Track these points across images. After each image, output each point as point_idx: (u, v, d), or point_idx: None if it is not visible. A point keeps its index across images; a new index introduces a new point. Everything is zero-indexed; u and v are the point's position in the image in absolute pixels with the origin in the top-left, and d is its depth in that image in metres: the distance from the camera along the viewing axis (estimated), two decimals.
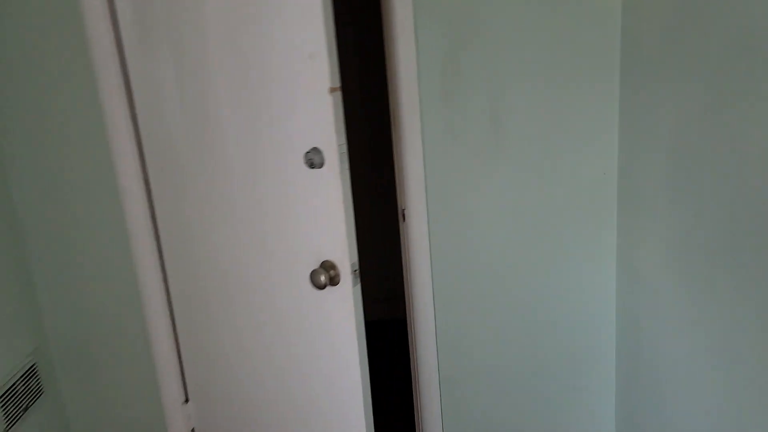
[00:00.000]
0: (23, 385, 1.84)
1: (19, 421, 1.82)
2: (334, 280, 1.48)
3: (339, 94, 1.38)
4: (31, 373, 1.88)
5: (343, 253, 1.46)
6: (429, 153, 1.86)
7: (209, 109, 1.60)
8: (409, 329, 2.04)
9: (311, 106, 1.40)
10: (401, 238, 1.91)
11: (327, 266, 1.48)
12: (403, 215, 1.90)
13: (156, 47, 1.66)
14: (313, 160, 1.41)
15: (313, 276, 1.47)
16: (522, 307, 2.00)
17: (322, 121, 1.39)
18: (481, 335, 2.03)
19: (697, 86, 1.41)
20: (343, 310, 1.50)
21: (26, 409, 1.85)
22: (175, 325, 1.96)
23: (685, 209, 1.52)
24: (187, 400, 2.05)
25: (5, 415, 1.76)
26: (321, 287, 1.47)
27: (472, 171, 1.87)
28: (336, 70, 1.36)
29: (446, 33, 1.78)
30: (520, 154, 1.86)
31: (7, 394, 1.77)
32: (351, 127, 3.27)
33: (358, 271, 1.48)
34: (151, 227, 1.87)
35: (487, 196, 1.89)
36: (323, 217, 1.46)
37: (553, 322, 2.01)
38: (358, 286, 1.49)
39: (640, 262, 1.80)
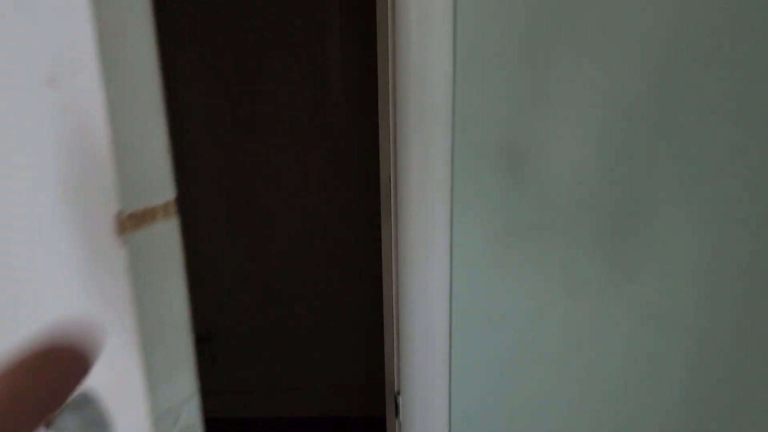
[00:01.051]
0: None
1: None
2: None
3: (172, 226, 0.34)
4: None
5: None
6: (462, 276, 0.81)
7: None
8: None
9: (56, 277, 0.35)
10: None
11: None
12: (396, 405, 0.85)
13: None
14: None
15: None
16: None
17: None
18: None
19: None
20: None
21: None
22: None
23: None
24: None
25: None
26: None
27: (564, 322, 0.83)
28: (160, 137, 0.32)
29: None
30: (674, 284, 0.81)
31: None
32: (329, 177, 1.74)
33: None
34: None
35: (599, 378, 0.85)
36: None
37: None
38: None
39: None
